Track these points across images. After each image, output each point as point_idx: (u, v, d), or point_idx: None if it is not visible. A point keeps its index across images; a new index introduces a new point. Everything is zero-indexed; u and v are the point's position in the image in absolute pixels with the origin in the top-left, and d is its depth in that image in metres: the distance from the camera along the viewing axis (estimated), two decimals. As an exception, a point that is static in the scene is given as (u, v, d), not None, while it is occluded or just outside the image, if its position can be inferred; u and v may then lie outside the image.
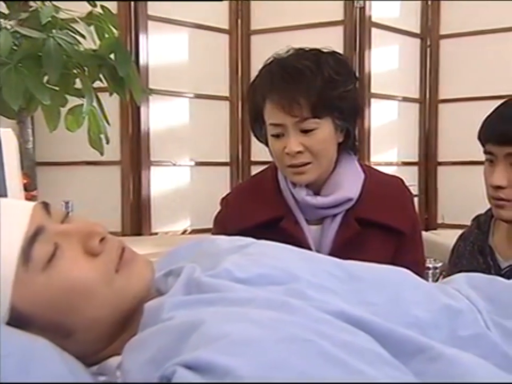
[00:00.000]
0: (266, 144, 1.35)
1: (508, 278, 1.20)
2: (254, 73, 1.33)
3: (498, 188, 1.20)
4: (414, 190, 3.45)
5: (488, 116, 1.26)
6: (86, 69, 2.25)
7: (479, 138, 1.27)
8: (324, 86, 1.22)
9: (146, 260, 0.77)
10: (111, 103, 2.84)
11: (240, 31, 3.73)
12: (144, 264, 0.76)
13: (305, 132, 1.24)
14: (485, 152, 1.25)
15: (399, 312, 0.68)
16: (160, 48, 3.44)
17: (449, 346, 0.60)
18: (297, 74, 1.22)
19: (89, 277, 0.69)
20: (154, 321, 0.62)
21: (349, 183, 1.31)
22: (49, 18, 2.06)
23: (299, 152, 1.24)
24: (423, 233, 1.46)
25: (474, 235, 1.35)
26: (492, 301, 0.75)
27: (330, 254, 1.27)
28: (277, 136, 1.27)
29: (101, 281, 0.70)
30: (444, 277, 1.53)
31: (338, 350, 0.51)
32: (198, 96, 3.60)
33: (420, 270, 1.38)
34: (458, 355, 0.57)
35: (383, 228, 1.31)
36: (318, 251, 1.30)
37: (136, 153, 3.39)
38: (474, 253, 1.33)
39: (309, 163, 1.26)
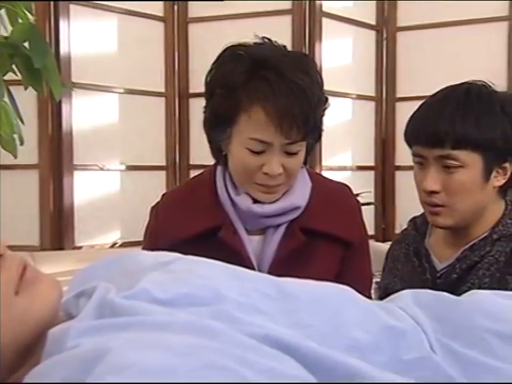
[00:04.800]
0: (218, 149, 1.31)
1: (444, 280, 1.25)
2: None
3: (432, 192, 1.22)
4: (369, 197, 3.51)
5: (413, 114, 1.26)
6: (-4, 59, 2.20)
7: (406, 139, 1.27)
8: (316, 105, 1.22)
9: (52, 280, 0.76)
10: (27, 99, 2.79)
11: (176, 19, 3.72)
12: (49, 285, 0.75)
13: (289, 154, 1.23)
14: (414, 154, 1.25)
15: (337, 334, 0.69)
16: (85, 37, 3.40)
17: (387, 371, 0.62)
18: (299, 92, 1.18)
19: None
20: (59, 350, 0.61)
21: (297, 191, 1.33)
22: (-48, 0, 2.01)
23: (279, 174, 1.24)
24: (380, 244, 1.49)
25: (412, 237, 1.38)
26: (439, 319, 0.77)
27: (272, 266, 1.29)
28: (256, 152, 1.23)
29: None
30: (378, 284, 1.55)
31: (260, 377, 0.52)
32: (129, 91, 3.58)
33: (367, 283, 1.42)
34: (392, 381, 0.59)
35: (329, 238, 1.33)
36: (259, 263, 1.30)
37: (57, 156, 3.35)
38: (409, 256, 1.36)
39: (281, 183, 1.27)
